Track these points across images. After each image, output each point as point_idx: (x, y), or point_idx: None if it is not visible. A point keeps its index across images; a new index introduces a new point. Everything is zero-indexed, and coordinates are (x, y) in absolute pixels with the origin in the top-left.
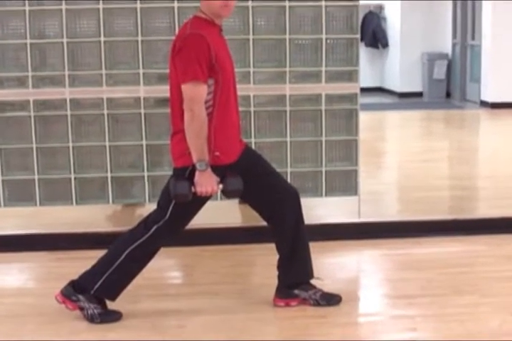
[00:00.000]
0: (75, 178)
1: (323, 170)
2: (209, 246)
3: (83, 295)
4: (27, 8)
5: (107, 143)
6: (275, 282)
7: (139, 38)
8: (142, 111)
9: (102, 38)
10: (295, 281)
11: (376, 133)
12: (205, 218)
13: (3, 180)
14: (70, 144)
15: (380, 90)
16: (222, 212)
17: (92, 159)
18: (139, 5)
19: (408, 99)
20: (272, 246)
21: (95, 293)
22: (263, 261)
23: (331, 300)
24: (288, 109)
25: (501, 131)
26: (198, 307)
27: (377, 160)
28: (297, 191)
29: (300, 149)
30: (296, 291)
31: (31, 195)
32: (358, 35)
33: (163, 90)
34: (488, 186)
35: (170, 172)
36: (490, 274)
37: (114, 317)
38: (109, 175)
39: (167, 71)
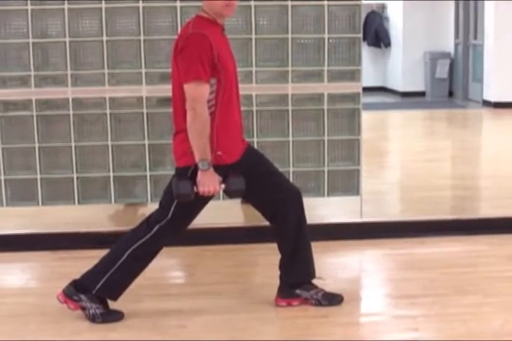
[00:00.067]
0: (77, 178)
1: (326, 169)
2: (211, 245)
3: (85, 295)
4: (29, 7)
5: (110, 143)
6: (277, 282)
7: (142, 38)
8: (144, 110)
9: (105, 38)
10: (297, 281)
11: (378, 133)
12: (207, 218)
13: (5, 180)
14: (73, 144)
15: (382, 89)
16: (224, 211)
17: (95, 158)
18: (141, 4)
19: (410, 98)
20: (274, 245)
21: (97, 293)
22: (265, 261)
23: (333, 299)
24: (290, 108)
25: (504, 130)
26: (199, 307)
27: (380, 160)
28: (300, 191)
29: (302, 149)
30: (297, 291)
31: (33, 195)
32: (361, 35)
33: (166, 89)
34: (490, 186)
35: (172, 172)
36: (492, 274)
37: (116, 316)
38: (111, 174)
39: (169, 70)
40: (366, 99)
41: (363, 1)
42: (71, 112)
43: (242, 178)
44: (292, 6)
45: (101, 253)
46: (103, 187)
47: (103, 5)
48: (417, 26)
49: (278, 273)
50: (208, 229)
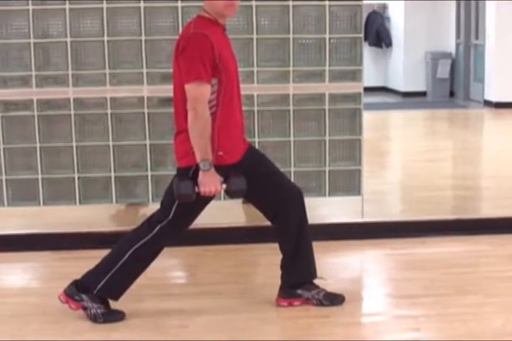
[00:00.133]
0: (78, 178)
1: (327, 169)
2: (212, 245)
3: (86, 295)
4: (30, 7)
5: (111, 143)
6: (278, 282)
7: (143, 38)
8: (146, 110)
9: (106, 38)
10: (298, 281)
11: (380, 133)
12: (208, 218)
13: (6, 180)
14: (74, 144)
15: (383, 89)
16: (225, 211)
17: (96, 159)
18: (142, 4)
19: (412, 98)
20: (275, 245)
21: (98, 293)
22: (266, 261)
23: (334, 299)
24: (291, 108)
25: (505, 130)
26: (200, 307)
27: (381, 160)
28: (301, 191)
29: (303, 149)
30: (299, 291)
31: (35, 195)
32: (362, 35)
33: (167, 90)
34: (491, 186)
35: (173, 172)
36: (493, 274)
37: (117, 316)
38: (112, 174)
39: (171, 70)
40: (367, 99)
41: (364, 1)
42: (72, 112)
43: (243, 178)
44: (293, 6)
45: (102, 253)
46: (104, 187)
47: (104, 5)
48: (419, 26)
49: (279, 273)
50: (209, 229)
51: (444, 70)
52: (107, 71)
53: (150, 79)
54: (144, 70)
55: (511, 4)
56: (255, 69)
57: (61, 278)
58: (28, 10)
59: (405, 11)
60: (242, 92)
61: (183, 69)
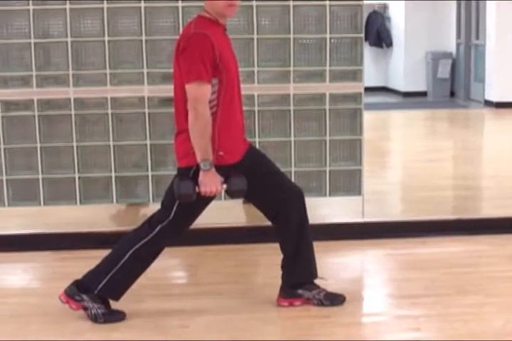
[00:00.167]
0: (79, 178)
1: (327, 169)
2: (213, 245)
3: (87, 295)
4: (31, 7)
5: (111, 143)
6: (279, 282)
7: (143, 38)
8: (146, 110)
9: (106, 38)
10: (299, 281)
11: (380, 133)
12: (208, 218)
13: (7, 180)
14: (74, 144)
15: (384, 89)
16: (226, 211)
17: (96, 159)
18: (143, 4)
19: (412, 98)
20: (276, 245)
21: (99, 293)
22: (267, 261)
23: (335, 300)
24: (292, 108)
25: (506, 130)
26: (201, 307)
27: (382, 160)
28: (302, 190)
29: (304, 149)
30: (299, 291)
31: (35, 195)
32: (363, 35)
33: (168, 90)
34: (492, 186)
35: (174, 172)
36: (494, 274)
37: (118, 317)
38: (113, 174)
39: (171, 70)
40: (368, 99)
41: (365, 1)
42: (73, 112)
43: (243, 178)
44: (294, 6)
45: (103, 253)
46: (105, 187)
47: (105, 5)
48: (419, 26)
49: (280, 273)
50: (209, 229)
51: (444, 70)
52: (108, 71)
53: (150, 79)
54: (145, 70)
55: None
56: (256, 69)
57: (62, 278)
58: (28, 10)
59: (406, 10)
60: (243, 92)
61: (184, 69)
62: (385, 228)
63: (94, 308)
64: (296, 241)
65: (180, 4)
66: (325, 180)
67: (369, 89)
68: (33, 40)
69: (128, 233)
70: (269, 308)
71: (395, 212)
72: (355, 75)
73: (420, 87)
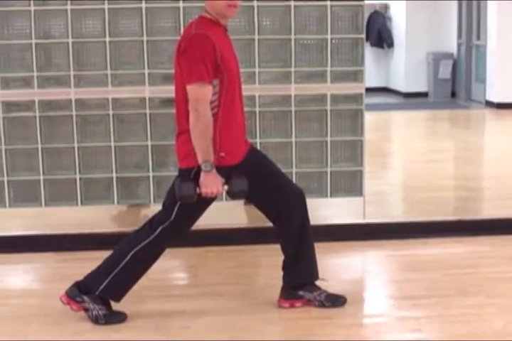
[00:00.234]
0: (80, 179)
1: (329, 170)
2: (214, 246)
3: (88, 296)
4: (32, 8)
5: (112, 144)
6: (280, 283)
7: (144, 38)
8: (147, 111)
9: (108, 38)
10: (300, 282)
11: (381, 134)
12: (210, 219)
13: (8, 181)
14: (76, 145)
15: (385, 90)
16: (227, 212)
17: (98, 159)
18: (144, 5)
19: (413, 99)
20: (277, 246)
21: (100, 294)
22: (268, 262)
23: (336, 301)
24: (293, 109)
25: (507, 131)
26: (202, 308)
27: (383, 161)
28: (303, 191)
29: (305, 149)
30: (300, 292)
31: (36, 196)
32: (364, 35)
33: (169, 90)
34: (493, 187)
35: (175, 173)
36: (494, 275)
37: (119, 318)
38: (114, 175)
39: (172, 71)
40: (369, 99)
41: (366, 2)
42: (74, 113)
43: (244, 179)
44: (295, 7)
45: (104, 254)
46: (106, 188)
47: (106, 6)
48: (420, 26)
49: (281, 274)
50: (210, 230)
51: (445, 71)
52: (109, 72)
53: (152, 80)
54: (146, 71)
55: None
56: (257, 69)
57: (62, 279)
58: (29, 10)
59: (407, 11)
60: (244, 93)
61: (185, 70)
62: (386, 229)
63: (95, 309)
64: (298, 242)
65: (181, 5)
66: (326, 181)
67: (370, 90)
68: (34, 41)
69: (129, 234)
70: (270, 309)
71: (396, 213)
72: (356, 76)
73: (421, 87)
